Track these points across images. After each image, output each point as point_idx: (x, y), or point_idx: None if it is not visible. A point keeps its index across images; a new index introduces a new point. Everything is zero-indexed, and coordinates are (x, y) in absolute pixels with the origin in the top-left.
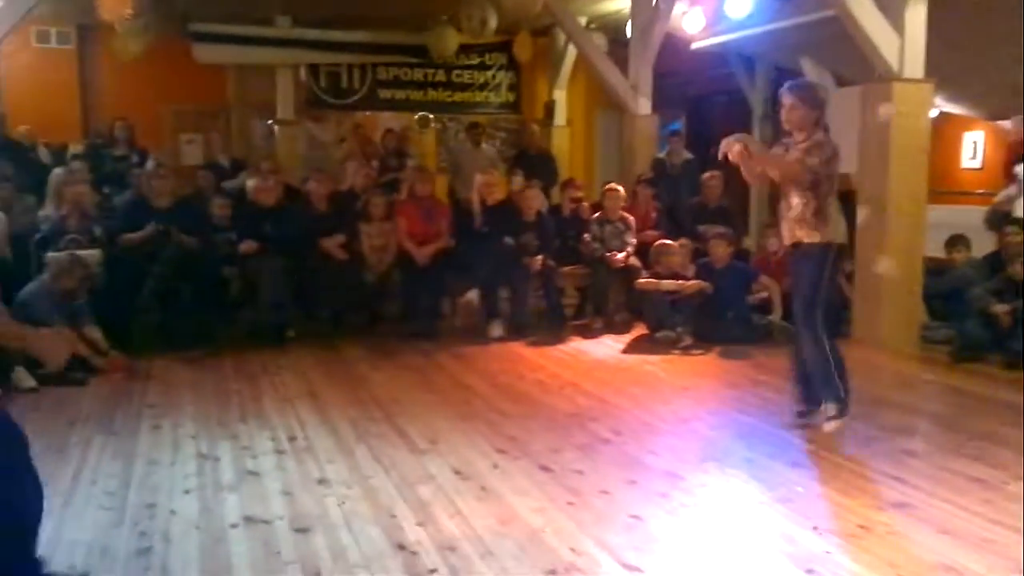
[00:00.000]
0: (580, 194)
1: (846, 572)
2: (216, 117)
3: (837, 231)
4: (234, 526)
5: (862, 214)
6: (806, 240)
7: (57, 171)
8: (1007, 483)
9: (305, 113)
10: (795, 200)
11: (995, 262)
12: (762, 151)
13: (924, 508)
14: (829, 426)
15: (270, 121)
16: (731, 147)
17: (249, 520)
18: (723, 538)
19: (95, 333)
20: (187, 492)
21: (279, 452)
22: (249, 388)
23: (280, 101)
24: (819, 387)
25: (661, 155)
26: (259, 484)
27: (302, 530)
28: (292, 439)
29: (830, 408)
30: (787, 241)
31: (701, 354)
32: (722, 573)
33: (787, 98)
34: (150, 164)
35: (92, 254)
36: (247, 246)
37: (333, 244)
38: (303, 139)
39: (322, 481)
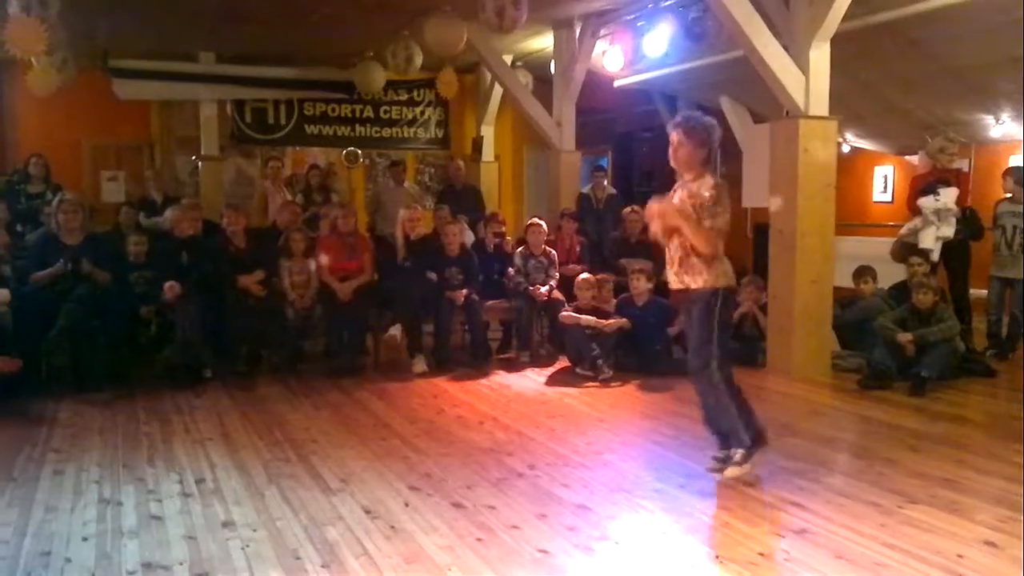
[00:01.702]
0: (504, 228)
1: None
2: (139, 153)
3: (724, 274)
4: (132, 573)
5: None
6: (693, 286)
7: None
8: (902, 507)
9: (234, 148)
10: (678, 244)
11: (900, 292)
12: (675, 216)
13: (823, 534)
14: (731, 471)
15: (194, 157)
16: (652, 218)
17: (148, 567)
18: (627, 570)
19: None
20: (85, 539)
21: (185, 495)
22: (160, 430)
23: (204, 137)
24: (724, 433)
25: (585, 190)
26: (162, 529)
27: (202, 575)
28: (200, 481)
29: (736, 454)
30: (674, 286)
31: (620, 386)
32: None
33: (673, 135)
34: (56, 199)
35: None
36: (171, 290)
37: (251, 281)
38: (230, 174)
39: (227, 524)
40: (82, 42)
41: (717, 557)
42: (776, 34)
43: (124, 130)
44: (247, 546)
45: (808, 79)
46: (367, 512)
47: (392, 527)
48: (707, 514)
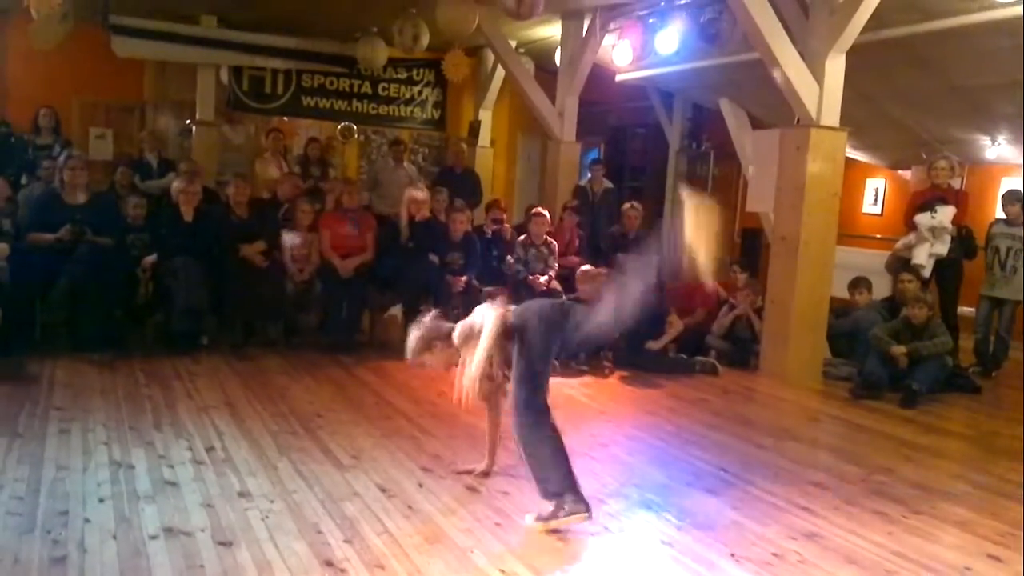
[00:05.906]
0: (504, 216)
1: None
2: (130, 113)
3: None
4: (154, 537)
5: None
6: None
7: None
8: (906, 517)
9: (221, 114)
10: None
11: (893, 305)
12: None
13: (831, 538)
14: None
15: (188, 121)
16: None
17: (169, 531)
18: (648, 562)
19: None
20: (101, 500)
21: (197, 463)
22: (162, 395)
23: (200, 101)
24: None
25: (583, 183)
26: (178, 495)
27: (225, 543)
28: (210, 449)
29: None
30: None
31: (617, 380)
32: None
33: None
34: (62, 156)
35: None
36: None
37: (253, 251)
38: (218, 141)
39: (243, 494)
40: None
41: (733, 555)
42: (793, 42)
43: (116, 89)
44: (266, 517)
45: (822, 89)
46: (383, 490)
47: (409, 507)
48: (718, 512)
